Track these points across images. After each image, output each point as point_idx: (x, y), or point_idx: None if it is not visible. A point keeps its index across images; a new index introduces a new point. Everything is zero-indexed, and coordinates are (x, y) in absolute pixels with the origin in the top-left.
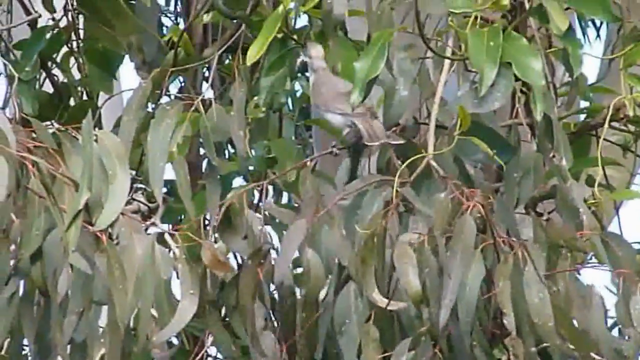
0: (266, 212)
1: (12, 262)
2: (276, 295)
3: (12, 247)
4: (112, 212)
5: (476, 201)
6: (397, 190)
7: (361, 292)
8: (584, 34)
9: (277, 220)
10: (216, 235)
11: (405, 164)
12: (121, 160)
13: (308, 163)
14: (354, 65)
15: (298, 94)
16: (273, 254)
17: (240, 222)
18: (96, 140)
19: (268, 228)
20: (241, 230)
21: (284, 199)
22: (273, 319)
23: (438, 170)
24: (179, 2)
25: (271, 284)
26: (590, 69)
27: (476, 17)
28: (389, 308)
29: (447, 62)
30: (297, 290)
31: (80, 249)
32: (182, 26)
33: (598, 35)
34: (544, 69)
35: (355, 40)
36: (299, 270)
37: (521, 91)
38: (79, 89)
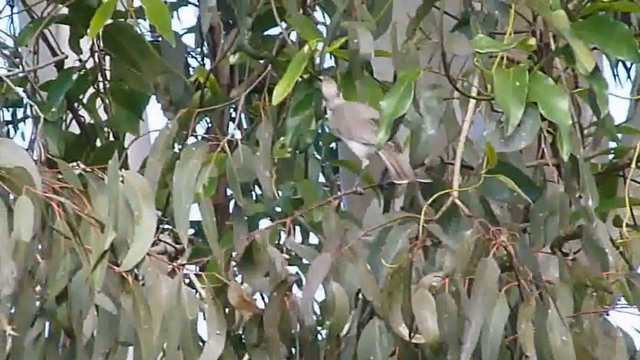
0: (291, 252)
1: (37, 303)
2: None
3: (38, 287)
4: (138, 253)
5: (501, 241)
6: (423, 226)
7: (387, 327)
8: (614, 74)
9: (302, 261)
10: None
11: (429, 201)
12: (147, 200)
13: (332, 201)
14: (380, 104)
15: (324, 135)
16: (297, 290)
17: (262, 259)
18: (122, 181)
19: (293, 269)
20: (262, 267)
21: (312, 240)
22: (296, 353)
23: (463, 209)
24: (205, 43)
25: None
26: (618, 109)
27: (502, 57)
28: (413, 341)
29: (472, 101)
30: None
31: (106, 290)
32: (208, 67)
33: (629, 76)
34: (570, 109)
35: (381, 80)
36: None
37: (547, 131)
38: (106, 129)
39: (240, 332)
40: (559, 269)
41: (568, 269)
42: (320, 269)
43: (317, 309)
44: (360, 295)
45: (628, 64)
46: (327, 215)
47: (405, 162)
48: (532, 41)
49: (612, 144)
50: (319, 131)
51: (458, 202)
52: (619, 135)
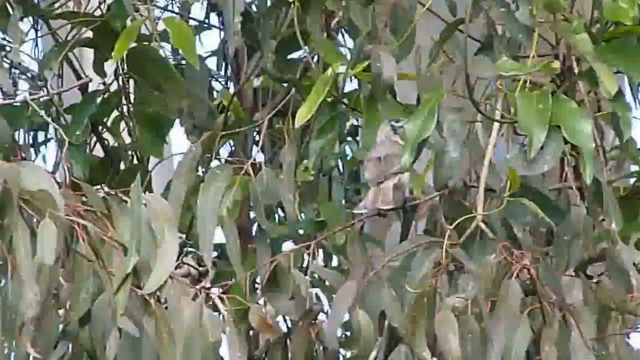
0: (314, 274)
1: (60, 326)
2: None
3: (61, 310)
4: (160, 276)
5: (524, 264)
6: (447, 251)
7: (412, 353)
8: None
9: (325, 283)
10: (264, 298)
11: (454, 225)
12: (170, 224)
13: (356, 224)
14: (405, 126)
15: (348, 157)
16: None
17: (287, 283)
18: (145, 204)
19: (316, 290)
20: (288, 290)
21: (334, 262)
22: None
23: (487, 232)
24: (229, 67)
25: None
26: None
27: (525, 81)
28: None
29: (496, 125)
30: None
31: (129, 313)
32: (232, 90)
33: None
34: (593, 132)
35: (404, 103)
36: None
37: (570, 154)
38: (130, 153)
39: (264, 355)
40: (583, 292)
41: (592, 292)
42: (346, 298)
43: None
44: (386, 322)
45: None
46: (352, 240)
47: (389, 190)
48: (556, 64)
49: (635, 167)
50: (342, 154)
51: (483, 225)
52: None
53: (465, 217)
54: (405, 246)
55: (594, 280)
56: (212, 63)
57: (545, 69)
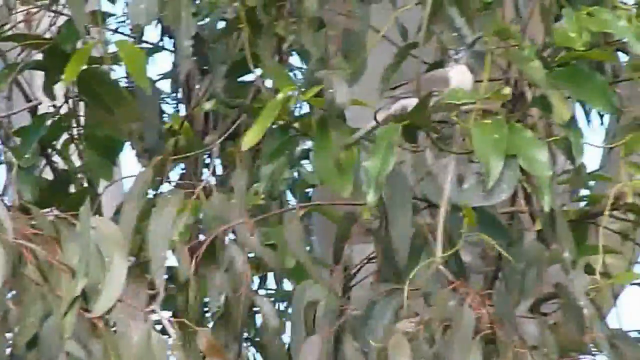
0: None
1: (8, 350)
2: None
3: (9, 334)
4: (109, 299)
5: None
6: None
7: None
8: (588, 122)
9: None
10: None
11: (414, 272)
12: (119, 247)
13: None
14: (365, 165)
15: (299, 181)
16: None
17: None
18: (95, 228)
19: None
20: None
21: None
22: None
23: (448, 276)
24: (180, 90)
25: None
26: (590, 156)
27: (479, 109)
28: None
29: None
30: None
31: (77, 336)
32: (183, 113)
33: (602, 122)
34: (549, 160)
35: (355, 128)
36: None
37: (521, 180)
38: (80, 176)
39: None
40: (540, 332)
41: (549, 331)
42: (311, 353)
43: None
44: None
45: None
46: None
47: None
48: (507, 91)
49: (585, 192)
50: (293, 178)
51: (442, 268)
52: (591, 183)
53: (426, 262)
54: (368, 295)
55: (549, 319)
56: (165, 85)
57: (495, 96)
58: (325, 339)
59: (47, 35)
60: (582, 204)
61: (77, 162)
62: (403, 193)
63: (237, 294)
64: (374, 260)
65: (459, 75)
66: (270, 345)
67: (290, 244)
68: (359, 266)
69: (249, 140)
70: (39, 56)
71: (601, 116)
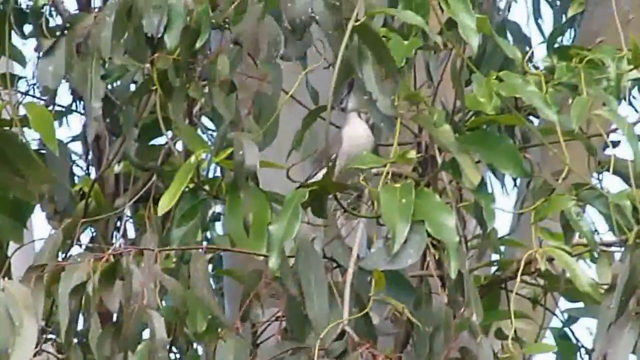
0: None
1: None
2: None
3: None
4: None
5: (385, 354)
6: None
7: None
8: (502, 185)
9: None
10: None
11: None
12: (29, 310)
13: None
14: (270, 229)
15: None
16: None
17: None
18: (3, 290)
19: None
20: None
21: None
22: None
23: (354, 337)
24: (90, 152)
25: None
26: (501, 220)
27: (388, 172)
28: None
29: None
30: None
31: None
32: (93, 176)
33: (515, 185)
34: (457, 225)
35: (267, 191)
36: None
37: (432, 245)
38: None
39: None
40: None
41: None
42: None
43: None
44: None
45: None
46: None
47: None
48: (412, 154)
49: (495, 256)
50: (205, 241)
51: (350, 330)
52: (502, 247)
53: (334, 323)
54: (273, 351)
55: None
56: (77, 147)
57: (402, 160)
58: None
59: None
60: (493, 268)
61: None
62: (316, 267)
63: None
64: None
65: (351, 132)
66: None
67: (196, 283)
68: (266, 324)
69: (164, 204)
70: None
71: (514, 180)
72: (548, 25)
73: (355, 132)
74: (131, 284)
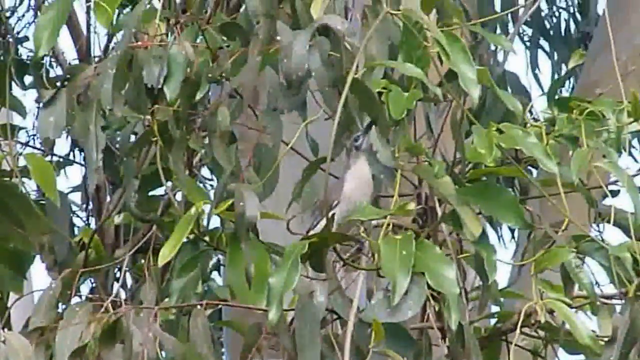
0: None
1: None
2: None
3: None
4: None
5: None
6: None
7: None
8: (498, 236)
9: None
10: None
11: None
12: None
13: None
14: (270, 281)
15: (210, 296)
16: None
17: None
18: (4, 341)
19: None
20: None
21: None
22: None
23: None
24: (90, 203)
25: None
26: (501, 272)
27: (388, 224)
28: None
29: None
30: None
31: None
32: (93, 227)
33: (513, 237)
34: (457, 277)
35: (267, 242)
36: None
37: (433, 296)
38: None
39: None
40: None
41: None
42: None
43: None
44: None
45: None
46: None
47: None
48: (411, 206)
49: (495, 308)
50: (205, 292)
51: None
52: (502, 299)
53: None
54: None
55: None
56: (76, 197)
57: (401, 212)
58: None
59: None
60: (493, 320)
61: None
62: (312, 321)
63: None
64: None
65: (355, 180)
66: None
67: (196, 339)
68: None
69: (164, 255)
70: None
71: (512, 232)
72: (545, 76)
73: (361, 172)
74: (131, 346)
